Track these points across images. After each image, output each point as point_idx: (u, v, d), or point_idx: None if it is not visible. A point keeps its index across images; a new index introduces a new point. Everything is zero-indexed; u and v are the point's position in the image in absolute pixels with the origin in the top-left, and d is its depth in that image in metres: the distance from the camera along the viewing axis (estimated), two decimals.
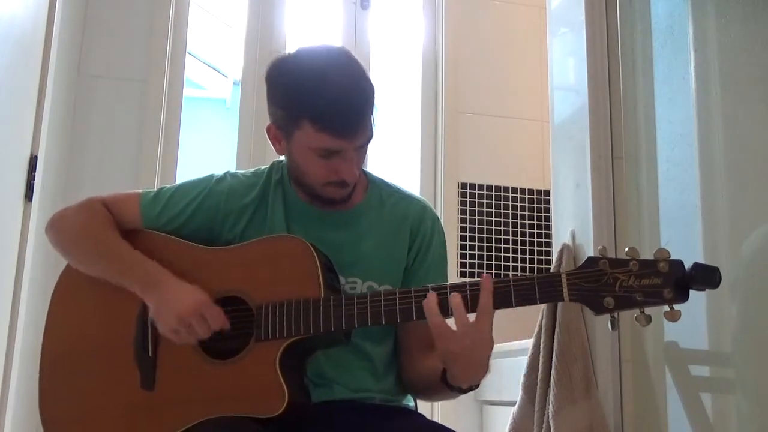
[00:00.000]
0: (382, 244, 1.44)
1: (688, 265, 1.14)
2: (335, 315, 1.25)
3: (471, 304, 1.19)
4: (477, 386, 1.29)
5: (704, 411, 1.70)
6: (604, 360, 1.82)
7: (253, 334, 1.28)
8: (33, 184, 2.08)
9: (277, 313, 1.27)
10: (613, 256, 1.17)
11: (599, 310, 1.16)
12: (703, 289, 1.16)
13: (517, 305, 1.20)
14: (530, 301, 1.20)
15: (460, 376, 1.25)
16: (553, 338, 1.86)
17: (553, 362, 1.84)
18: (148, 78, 2.66)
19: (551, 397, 1.81)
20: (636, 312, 1.16)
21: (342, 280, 1.38)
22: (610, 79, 1.99)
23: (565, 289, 1.18)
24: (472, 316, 1.20)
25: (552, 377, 1.83)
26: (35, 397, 1.38)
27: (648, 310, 1.15)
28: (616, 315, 1.18)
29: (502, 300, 1.20)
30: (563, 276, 1.18)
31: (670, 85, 1.92)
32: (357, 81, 1.32)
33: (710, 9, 1.85)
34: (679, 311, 1.13)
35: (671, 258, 1.15)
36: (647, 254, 1.16)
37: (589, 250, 1.86)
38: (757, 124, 1.72)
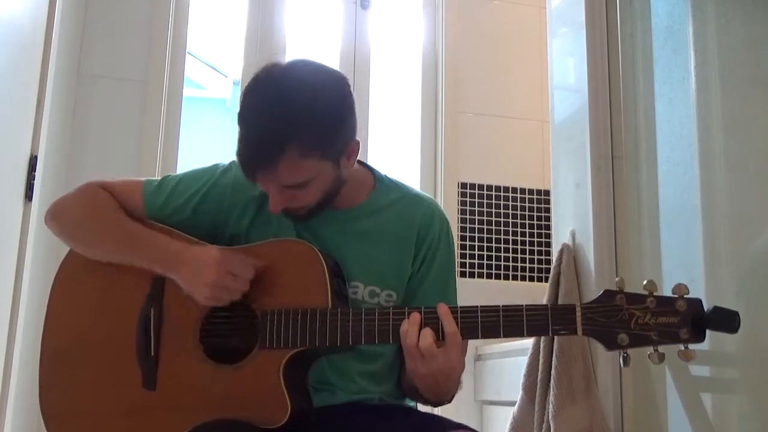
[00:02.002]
0: (386, 248, 1.41)
1: (707, 305, 1.12)
2: (341, 329, 1.24)
3: (442, 333, 1.21)
4: (449, 401, 1.34)
5: (704, 411, 1.70)
6: (604, 360, 1.82)
7: (258, 340, 1.27)
8: (33, 184, 2.08)
9: (283, 322, 1.25)
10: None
11: (612, 346, 1.15)
12: (721, 332, 1.13)
13: (528, 335, 1.19)
14: (541, 332, 1.19)
15: (426, 393, 1.30)
16: (553, 338, 1.86)
17: (553, 362, 1.84)
18: (148, 78, 2.66)
19: (551, 397, 1.81)
20: (649, 349, 1.14)
21: None
22: (610, 79, 1.99)
23: (579, 323, 1.16)
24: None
25: (552, 377, 1.83)
26: (35, 396, 1.37)
27: (661, 348, 1.14)
28: (628, 351, 1.16)
29: (512, 328, 1.19)
30: (578, 309, 1.16)
31: (670, 85, 1.92)
32: (276, 122, 1.22)
33: (710, 9, 1.85)
34: (693, 351, 1.11)
35: (690, 296, 1.13)
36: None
37: (589, 250, 1.86)
38: (757, 124, 1.72)
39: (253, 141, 1.24)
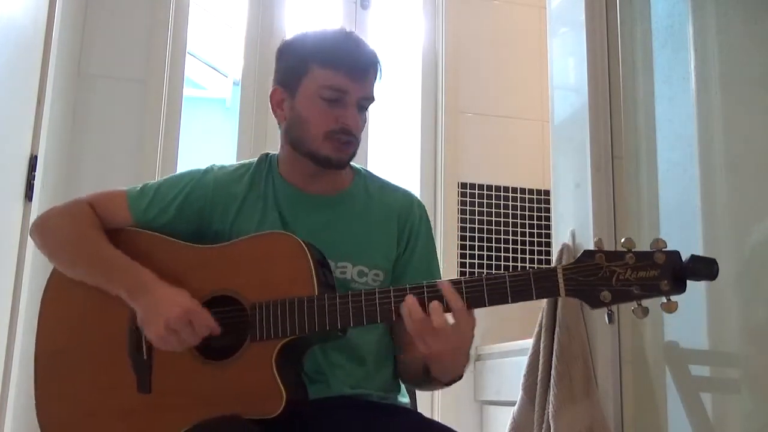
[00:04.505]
0: (370, 230, 1.44)
1: (685, 256, 1.13)
2: (329, 313, 1.24)
3: (447, 305, 1.19)
4: (460, 377, 1.32)
5: (704, 411, 1.70)
6: (604, 360, 1.82)
7: (248, 334, 1.28)
8: (33, 184, 2.08)
9: (272, 313, 1.26)
10: (610, 249, 1.16)
11: (596, 304, 1.15)
12: (701, 281, 1.15)
13: (513, 301, 1.18)
14: (526, 296, 1.18)
15: (440, 373, 1.30)
16: (553, 338, 1.86)
17: (553, 362, 1.84)
18: (148, 78, 2.66)
19: (551, 397, 1.81)
20: (633, 305, 1.15)
21: (332, 264, 1.37)
22: (610, 79, 1.99)
23: (561, 284, 1.16)
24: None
25: (552, 377, 1.83)
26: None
27: (645, 302, 1.14)
28: (613, 309, 1.17)
29: (497, 296, 1.18)
30: (559, 270, 1.17)
31: (670, 85, 1.92)
32: (362, 39, 1.42)
33: (710, 9, 1.85)
34: (676, 302, 1.12)
35: (668, 249, 1.14)
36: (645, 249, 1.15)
37: None
38: (757, 124, 1.72)
39: (360, 47, 1.39)
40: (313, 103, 1.37)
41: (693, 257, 1.13)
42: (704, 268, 1.12)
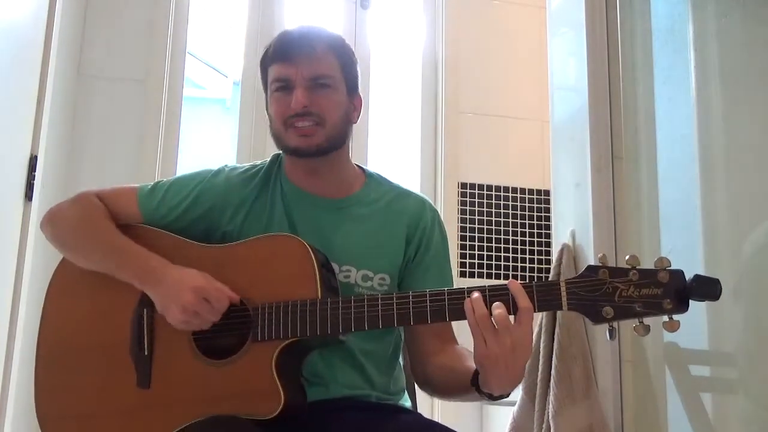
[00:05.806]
0: (377, 234, 1.43)
1: (689, 275, 1.13)
2: (332, 318, 1.25)
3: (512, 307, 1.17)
4: (508, 395, 1.25)
5: (704, 411, 1.70)
6: (604, 360, 1.82)
7: (250, 334, 1.28)
8: (33, 184, 2.08)
9: (274, 314, 1.27)
10: (614, 265, 1.16)
11: (597, 319, 1.15)
12: (704, 300, 1.15)
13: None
14: None
15: (493, 381, 1.20)
16: (553, 338, 1.86)
17: (553, 362, 1.84)
18: (147, 78, 2.66)
19: (551, 397, 1.81)
20: (635, 322, 1.15)
21: (335, 267, 1.37)
22: (610, 79, 1.99)
23: (563, 298, 1.16)
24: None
25: (552, 377, 1.83)
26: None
27: (647, 320, 1.15)
28: (614, 325, 1.17)
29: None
30: (562, 284, 1.17)
31: (670, 85, 1.92)
32: (318, 28, 1.45)
33: (710, 9, 1.85)
34: (678, 321, 1.13)
35: (672, 268, 1.14)
36: (647, 255, 1.16)
37: (589, 251, 1.86)
38: (757, 124, 1.73)
39: (295, 32, 1.42)
40: (272, 100, 1.42)
41: (696, 277, 1.13)
42: (707, 287, 1.12)
